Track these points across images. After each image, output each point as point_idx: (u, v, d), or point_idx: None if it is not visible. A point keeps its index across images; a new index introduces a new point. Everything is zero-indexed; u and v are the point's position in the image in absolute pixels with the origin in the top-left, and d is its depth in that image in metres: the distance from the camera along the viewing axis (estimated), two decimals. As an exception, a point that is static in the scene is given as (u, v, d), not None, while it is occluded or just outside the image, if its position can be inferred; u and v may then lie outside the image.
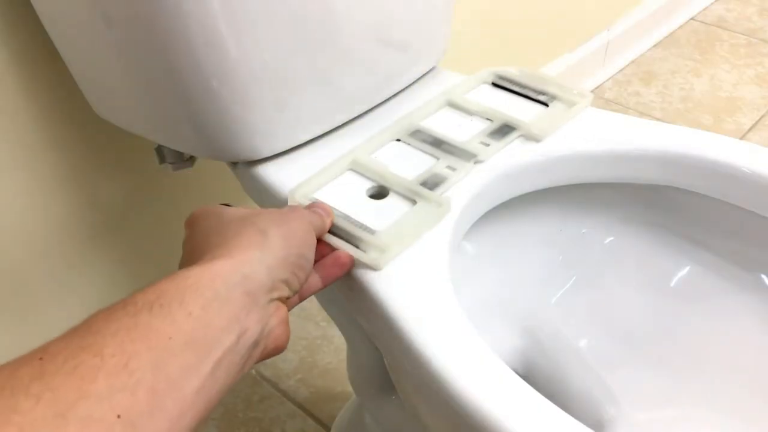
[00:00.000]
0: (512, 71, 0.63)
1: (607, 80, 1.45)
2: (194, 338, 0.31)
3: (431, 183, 0.52)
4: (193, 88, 0.51)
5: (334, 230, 0.49)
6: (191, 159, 0.67)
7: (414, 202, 0.51)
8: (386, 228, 0.49)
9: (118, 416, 0.26)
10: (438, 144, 0.56)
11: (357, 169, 0.54)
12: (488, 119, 0.58)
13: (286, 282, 0.39)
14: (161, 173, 0.79)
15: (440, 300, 0.44)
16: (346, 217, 0.50)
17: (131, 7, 0.48)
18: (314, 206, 0.48)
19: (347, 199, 0.52)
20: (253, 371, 0.96)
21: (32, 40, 0.63)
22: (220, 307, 0.33)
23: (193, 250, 0.39)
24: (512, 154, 0.55)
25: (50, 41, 0.59)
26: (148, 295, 0.31)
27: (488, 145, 0.55)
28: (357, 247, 0.47)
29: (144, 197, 0.80)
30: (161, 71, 0.51)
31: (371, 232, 0.48)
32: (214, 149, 0.56)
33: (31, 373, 0.26)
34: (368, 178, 0.54)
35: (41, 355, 0.27)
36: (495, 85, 0.63)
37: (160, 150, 0.67)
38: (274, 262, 0.37)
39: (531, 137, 0.56)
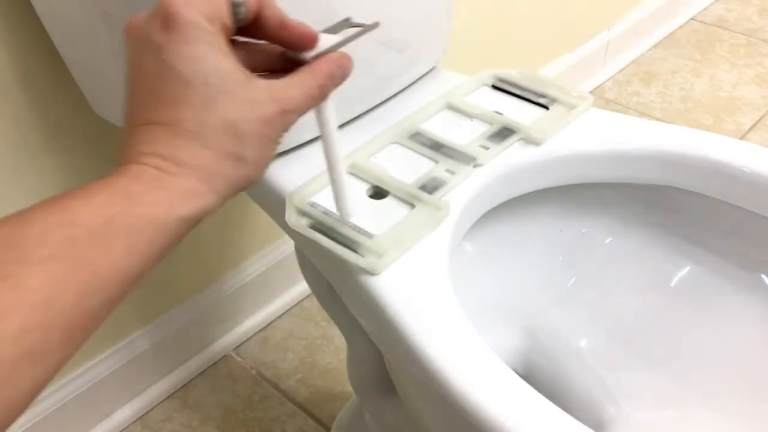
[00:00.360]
0: (512, 73, 0.63)
1: (608, 80, 1.45)
2: (132, 276, 0.31)
3: (430, 186, 0.52)
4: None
5: (331, 234, 0.49)
6: (191, 159, 0.67)
7: (413, 206, 0.51)
8: (384, 232, 0.48)
9: None
10: (437, 147, 0.56)
11: (356, 172, 0.54)
12: (488, 122, 0.58)
13: (250, 181, 0.36)
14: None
15: (440, 300, 0.44)
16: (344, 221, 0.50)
17: (130, 6, 0.48)
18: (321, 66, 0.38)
19: None
20: (254, 371, 0.96)
21: (32, 40, 0.63)
22: (168, 245, 0.33)
23: (140, 113, 0.35)
24: (512, 154, 0.55)
25: (50, 41, 0.59)
26: (93, 221, 0.30)
27: (488, 148, 0.55)
28: (355, 251, 0.47)
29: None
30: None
31: (369, 236, 0.48)
32: (214, 149, 0.56)
33: None
34: (367, 182, 0.54)
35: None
36: (495, 87, 0.63)
37: (160, 150, 0.67)
38: (241, 181, 0.35)
39: (531, 141, 0.56)
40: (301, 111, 0.37)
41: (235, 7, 0.35)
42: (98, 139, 0.72)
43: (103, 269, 0.30)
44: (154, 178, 0.32)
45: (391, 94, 0.62)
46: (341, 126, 0.60)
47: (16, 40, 0.62)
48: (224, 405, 0.92)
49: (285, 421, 0.90)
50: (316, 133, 0.58)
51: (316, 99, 0.38)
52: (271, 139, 0.36)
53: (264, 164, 0.36)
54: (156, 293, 0.87)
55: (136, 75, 0.35)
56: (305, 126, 0.57)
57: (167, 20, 0.33)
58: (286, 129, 0.37)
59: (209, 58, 0.33)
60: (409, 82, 0.64)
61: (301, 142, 0.58)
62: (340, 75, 0.39)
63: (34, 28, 0.61)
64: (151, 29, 0.34)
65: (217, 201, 0.34)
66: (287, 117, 0.36)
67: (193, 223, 0.34)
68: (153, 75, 0.34)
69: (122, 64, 0.54)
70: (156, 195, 0.32)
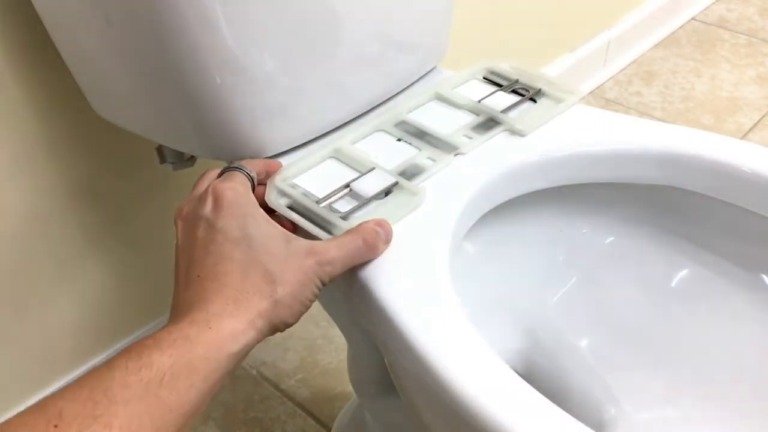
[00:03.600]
0: (504, 66, 0.63)
1: (608, 80, 1.45)
2: (193, 409, 0.37)
3: (410, 173, 0.53)
4: (194, 88, 0.51)
5: (308, 214, 0.49)
6: (192, 159, 0.67)
7: (390, 190, 0.51)
8: (359, 215, 0.49)
9: None
10: (421, 135, 0.57)
11: (338, 156, 0.55)
12: (474, 113, 0.59)
13: (285, 323, 0.43)
14: (161, 173, 0.79)
15: (441, 300, 0.44)
16: (321, 202, 0.50)
17: (131, 6, 0.48)
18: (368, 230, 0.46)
19: (324, 185, 0.52)
20: (254, 371, 0.96)
21: (32, 40, 0.63)
22: (220, 379, 0.39)
23: (191, 271, 0.42)
24: (512, 154, 0.55)
25: (50, 41, 0.59)
26: (162, 363, 0.36)
27: (471, 138, 0.56)
28: (330, 232, 0.48)
29: (144, 197, 0.80)
30: (162, 71, 0.51)
31: (345, 217, 0.49)
32: (214, 149, 0.56)
33: None
34: (348, 166, 0.54)
35: (56, 422, 0.32)
36: (486, 79, 0.63)
37: (160, 150, 0.67)
38: (277, 321, 0.42)
39: (515, 132, 0.56)
40: (342, 263, 0.44)
41: (251, 180, 0.46)
42: (98, 138, 0.72)
43: (173, 404, 0.35)
44: (205, 321, 0.39)
45: (393, 94, 0.63)
46: (342, 126, 0.60)
47: (17, 40, 0.62)
48: (224, 405, 0.92)
49: (285, 421, 0.90)
50: (314, 134, 0.58)
51: (362, 250, 0.45)
52: (304, 285, 0.42)
53: (298, 310, 0.43)
54: (157, 293, 0.87)
55: (188, 244, 0.43)
56: (304, 127, 0.57)
57: (216, 202, 0.43)
58: (323, 280, 0.43)
59: (250, 225, 0.43)
60: (411, 82, 0.64)
61: (300, 143, 0.58)
62: (383, 233, 0.46)
63: (34, 28, 0.61)
64: (203, 208, 0.44)
65: (257, 337, 0.40)
66: (323, 269, 0.43)
67: (241, 357, 0.40)
68: (205, 240, 0.42)
69: (123, 63, 0.54)
70: (207, 336, 0.38)
